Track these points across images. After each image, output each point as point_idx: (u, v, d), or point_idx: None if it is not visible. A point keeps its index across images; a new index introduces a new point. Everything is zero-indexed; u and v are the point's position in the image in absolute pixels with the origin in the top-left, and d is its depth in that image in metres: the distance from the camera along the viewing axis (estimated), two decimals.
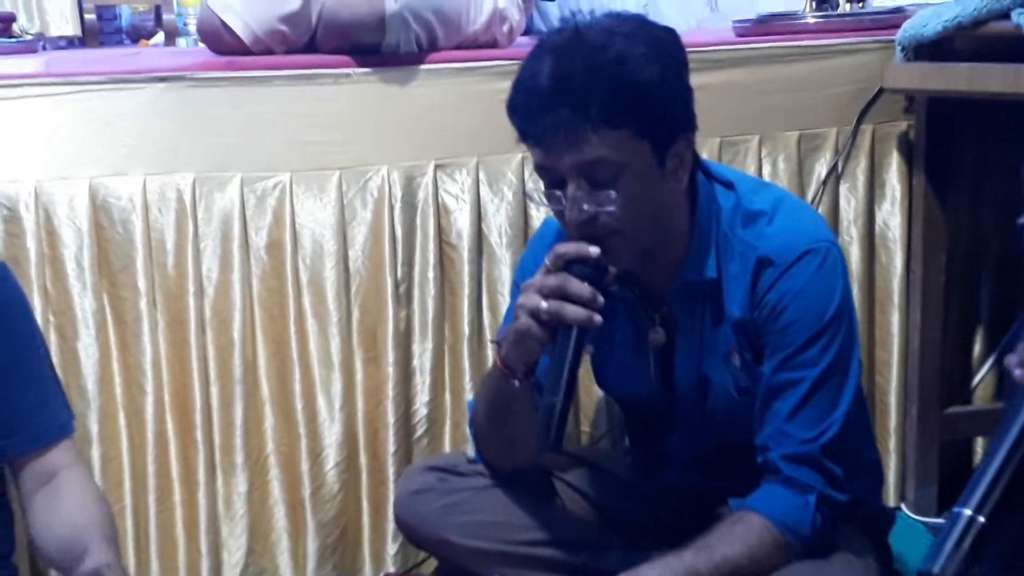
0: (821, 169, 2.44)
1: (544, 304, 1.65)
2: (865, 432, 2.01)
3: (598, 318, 1.65)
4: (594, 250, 1.65)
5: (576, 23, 1.66)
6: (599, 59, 1.61)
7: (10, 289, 1.68)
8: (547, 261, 1.69)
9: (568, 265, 1.66)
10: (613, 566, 1.76)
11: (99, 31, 5.14)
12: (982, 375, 2.56)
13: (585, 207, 1.64)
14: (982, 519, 1.12)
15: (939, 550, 1.14)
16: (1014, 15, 2.07)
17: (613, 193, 1.64)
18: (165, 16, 5.36)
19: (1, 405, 1.62)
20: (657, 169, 1.68)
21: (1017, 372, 1.15)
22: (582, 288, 1.64)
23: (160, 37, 5.39)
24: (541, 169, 1.70)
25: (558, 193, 1.66)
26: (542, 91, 1.62)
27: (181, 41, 3.65)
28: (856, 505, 1.82)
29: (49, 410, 1.68)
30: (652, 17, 1.80)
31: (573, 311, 1.64)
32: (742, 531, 1.70)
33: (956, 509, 1.15)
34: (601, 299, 1.65)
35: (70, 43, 4.79)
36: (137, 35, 5.63)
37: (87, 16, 4.99)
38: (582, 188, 1.64)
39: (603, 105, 1.60)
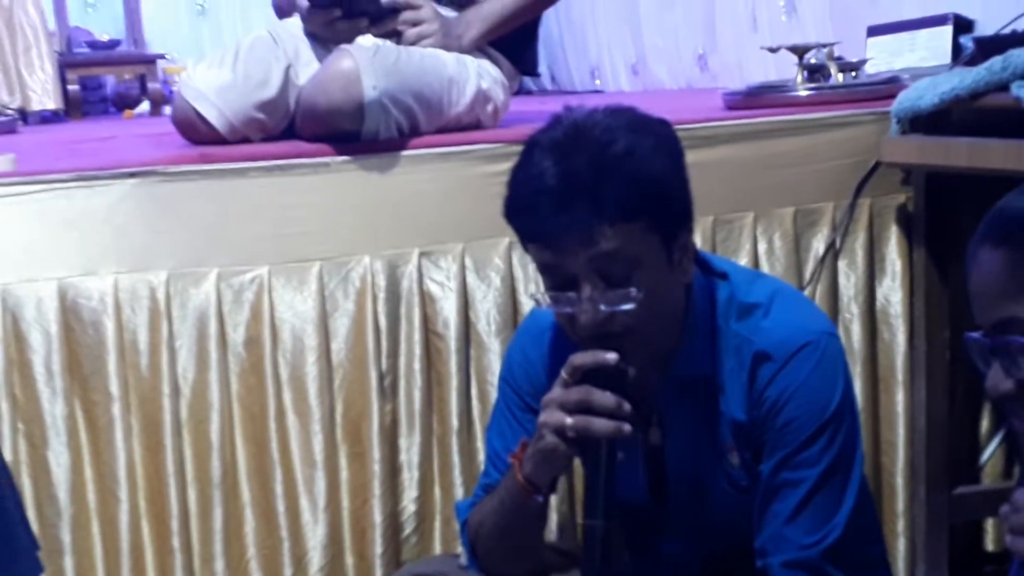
0: (819, 246, 2.38)
1: (569, 420, 1.59)
2: (872, 527, 1.92)
3: (627, 427, 1.59)
4: (613, 356, 1.59)
5: (571, 118, 1.61)
6: (607, 153, 1.56)
7: None
8: (563, 373, 1.63)
9: (586, 376, 1.60)
10: None
11: (83, 101, 5.14)
12: (990, 452, 2.49)
13: (602, 307, 1.58)
14: None
15: None
16: (1013, 87, 2.01)
17: (634, 290, 1.58)
18: (150, 85, 5.37)
19: None
20: (667, 263, 1.63)
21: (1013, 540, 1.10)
22: (607, 399, 1.58)
23: (146, 106, 5.39)
24: (547, 270, 1.63)
25: (570, 294, 1.60)
26: (551, 190, 1.56)
27: (167, 109, 3.63)
28: None
29: (13, 569, 1.60)
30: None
31: (601, 424, 1.58)
32: None
33: None
34: (628, 406, 1.59)
35: (54, 115, 4.77)
36: (123, 103, 5.63)
37: (70, 87, 4.99)
38: (597, 287, 1.58)
39: (617, 199, 1.55)
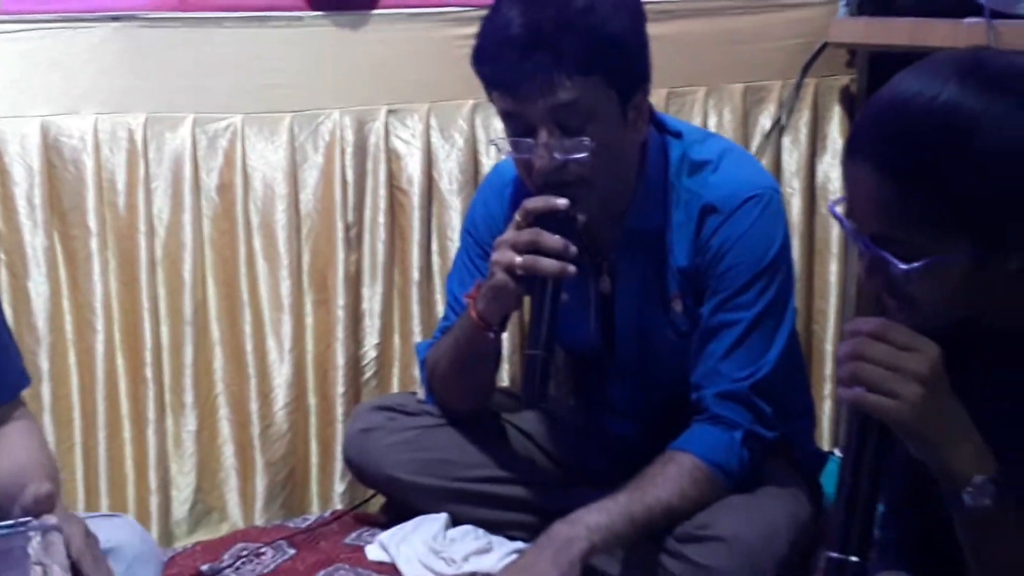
0: (765, 122, 2.50)
1: (518, 259, 1.69)
2: (799, 377, 2.07)
3: (572, 268, 1.70)
4: (563, 202, 1.69)
5: None
6: (570, 8, 1.65)
7: None
8: (517, 216, 1.73)
9: (537, 219, 1.70)
10: (556, 505, 1.82)
11: None
12: None
13: (556, 154, 1.68)
14: (857, 559, 1.12)
15: None
16: None
17: (587, 139, 1.68)
18: None
19: None
20: (621, 119, 1.73)
21: (849, 393, 1.12)
22: (554, 241, 1.69)
23: None
24: (509, 117, 1.73)
25: (528, 140, 1.70)
26: (515, 39, 1.65)
27: None
28: (785, 443, 1.89)
29: (2, 373, 1.68)
30: None
31: (547, 264, 1.68)
32: (673, 471, 1.76)
33: (829, 556, 1.14)
34: (574, 249, 1.70)
35: None
36: None
37: None
38: (553, 134, 1.68)
39: (577, 52, 1.64)
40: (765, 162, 2.47)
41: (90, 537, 1.39)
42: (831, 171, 2.54)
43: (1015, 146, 1.07)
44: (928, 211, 1.09)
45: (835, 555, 1.12)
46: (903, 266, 1.11)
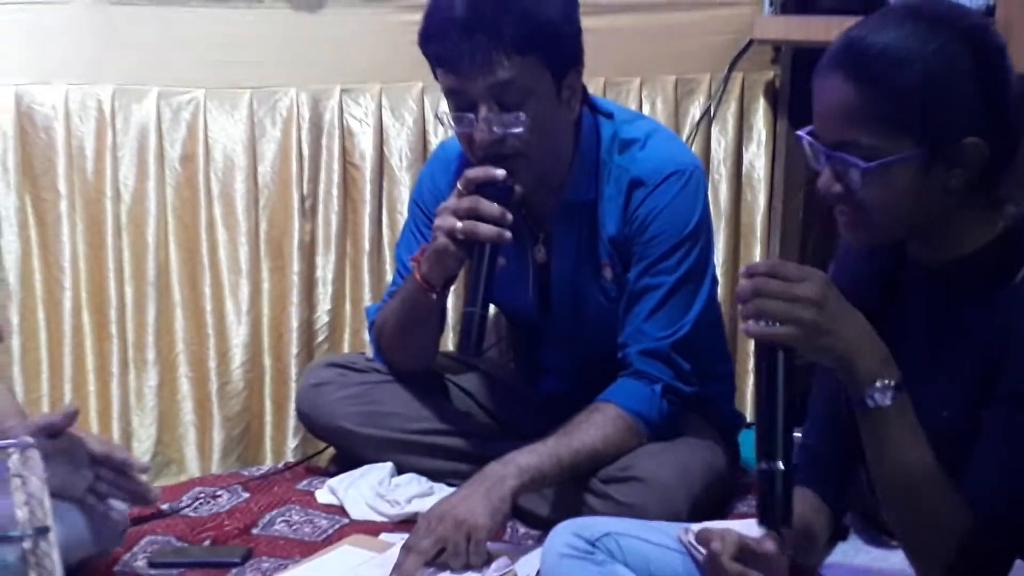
0: (695, 112, 2.67)
1: (459, 224, 1.83)
2: (719, 343, 2.24)
3: (508, 234, 1.84)
4: (500, 172, 1.84)
5: None
6: None
7: None
8: (459, 185, 1.87)
9: (478, 188, 1.85)
10: (492, 455, 1.94)
11: None
12: None
13: (495, 128, 1.84)
14: (781, 465, 1.26)
15: (764, 509, 1.28)
16: None
17: (522, 115, 1.84)
18: None
19: None
20: (556, 97, 1.89)
21: (753, 328, 1.29)
22: (492, 208, 1.83)
23: None
24: (452, 93, 1.88)
25: (469, 115, 1.85)
26: (458, 20, 1.81)
27: None
28: (705, 403, 2.06)
29: None
30: None
31: (486, 229, 1.83)
32: (599, 419, 1.92)
33: (760, 468, 1.28)
34: (510, 216, 1.84)
35: None
36: None
37: None
38: (492, 110, 1.84)
39: (515, 34, 1.80)
40: (695, 149, 2.62)
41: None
42: (756, 160, 2.71)
43: (949, 71, 1.27)
44: (885, 112, 1.26)
45: (764, 466, 1.28)
46: (863, 164, 1.27)
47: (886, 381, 1.26)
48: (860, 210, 1.31)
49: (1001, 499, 1.25)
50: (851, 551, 1.54)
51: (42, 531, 1.33)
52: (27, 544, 1.32)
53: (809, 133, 1.35)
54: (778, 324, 1.27)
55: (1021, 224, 1.34)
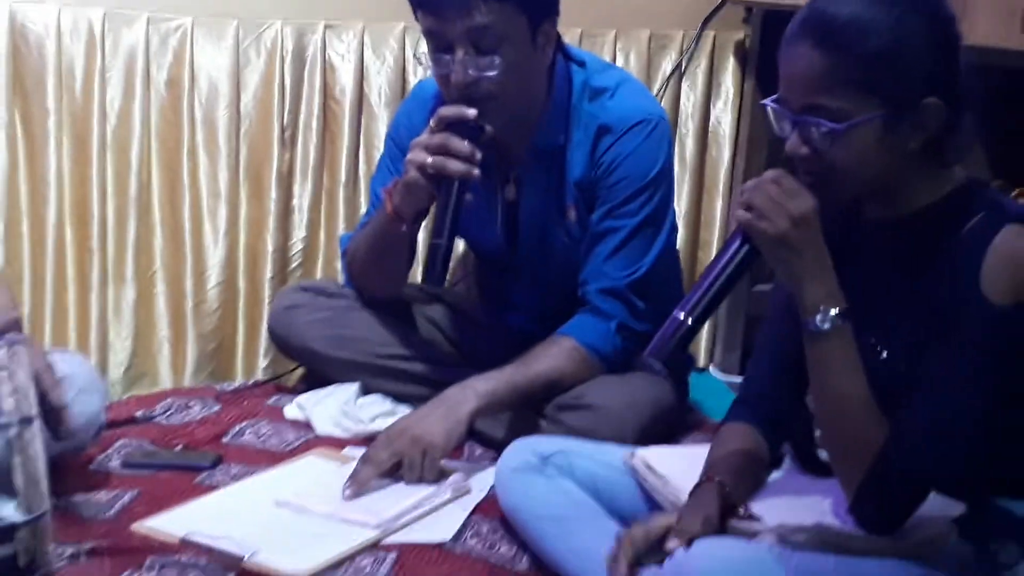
0: (667, 67, 2.76)
1: (429, 159, 1.91)
2: (676, 289, 2.33)
3: (476, 171, 1.92)
4: (472, 112, 1.92)
5: None
6: None
7: None
8: (432, 122, 1.95)
9: (449, 126, 1.92)
10: (454, 380, 2.03)
11: None
12: None
13: (470, 71, 1.92)
14: (689, 320, 1.40)
15: (656, 342, 1.42)
16: None
17: (497, 59, 1.92)
18: None
19: None
20: (531, 44, 1.98)
21: (739, 213, 1.39)
22: (462, 145, 1.91)
23: None
24: (430, 35, 1.96)
25: (446, 57, 1.93)
26: None
27: None
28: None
29: None
30: None
31: (455, 165, 1.91)
32: (555, 351, 2.04)
33: (674, 312, 1.41)
34: (479, 154, 1.92)
35: None
36: None
37: None
38: (469, 53, 1.92)
39: None
40: (664, 103, 2.70)
41: (47, 362, 1.59)
42: (723, 116, 2.80)
43: (910, 38, 1.36)
44: (852, 76, 1.34)
45: (679, 313, 1.41)
46: (831, 125, 1.35)
47: (830, 310, 1.37)
48: (826, 171, 1.39)
49: (921, 434, 1.35)
50: (784, 477, 1.65)
51: (27, 420, 1.42)
52: (13, 432, 1.41)
53: (774, 100, 1.43)
54: (759, 222, 1.37)
55: (967, 185, 1.45)
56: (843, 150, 1.37)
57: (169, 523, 1.70)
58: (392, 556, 1.65)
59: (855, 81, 1.35)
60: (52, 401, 1.54)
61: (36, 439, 1.43)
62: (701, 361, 2.86)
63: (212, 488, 1.86)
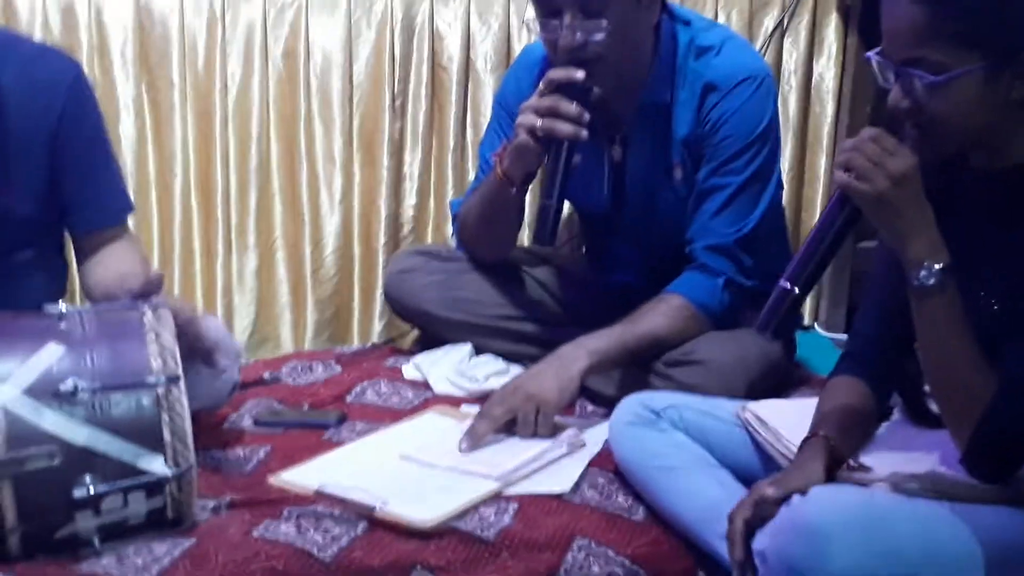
0: (769, 23, 2.76)
1: (539, 122, 1.95)
2: (783, 246, 2.34)
3: (585, 132, 1.95)
4: (580, 73, 1.95)
5: None
6: None
7: (87, 89, 1.85)
8: (541, 85, 1.98)
9: (558, 88, 1.96)
10: (564, 339, 2.07)
11: None
12: None
13: (578, 34, 1.95)
14: (796, 290, 1.43)
15: (766, 314, 1.46)
16: None
17: (604, 21, 1.95)
18: None
19: (74, 188, 1.84)
20: (636, 4, 2.00)
21: (839, 174, 1.41)
22: (570, 107, 1.94)
23: None
24: (538, 0, 1.99)
25: (554, 22, 1.97)
26: None
27: None
28: (764, 296, 2.16)
29: (110, 197, 1.89)
30: None
31: (564, 127, 1.94)
32: (663, 308, 2.07)
33: (779, 283, 1.44)
34: (587, 116, 1.95)
35: None
36: None
37: None
38: (576, 17, 1.95)
39: None
40: (767, 59, 2.70)
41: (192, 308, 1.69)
42: (826, 72, 2.80)
43: None
44: (952, 29, 1.35)
45: (785, 284, 1.44)
46: (932, 77, 1.36)
47: (934, 265, 1.39)
48: (929, 123, 1.40)
49: None
50: (893, 428, 1.68)
51: (174, 379, 1.50)
52: (160, 390, 1.49)
53: (878, 53, 1.44)
54: (859, 182, 1.39)
55: None
56: (944, 102, 1.38)
57: (303, 476, 1.78)
58: (514, 506, 1.70)
59: (955, 33, 1.35)
60: (204, 340, 1.64)
61: (183, 396, 1.51)
62: (807, 319, 2.88)
63: (339, 444, 1.93)
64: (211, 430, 1.96)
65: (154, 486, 1.48)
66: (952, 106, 1.39)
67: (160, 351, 1.52)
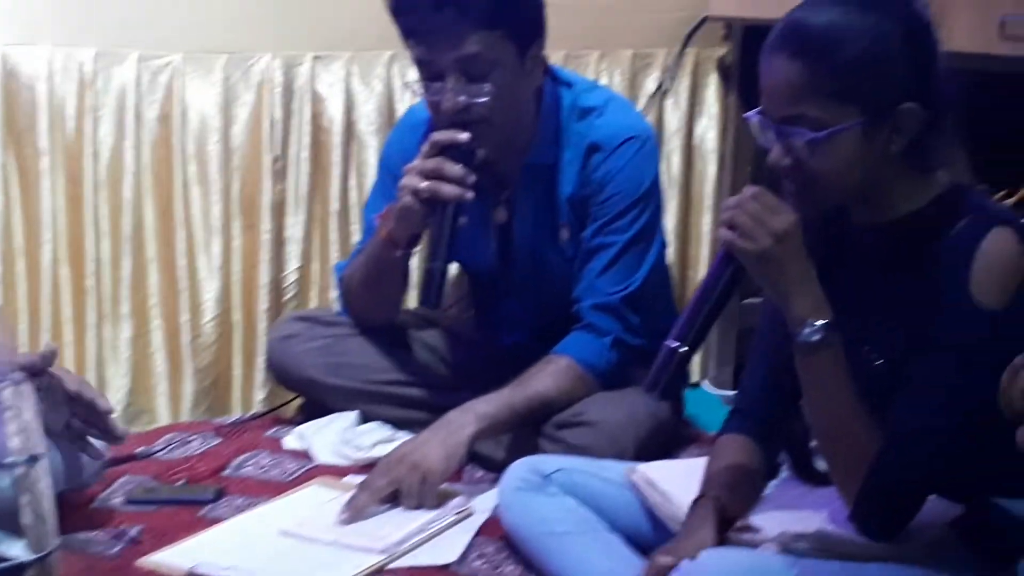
0: (650, 85, 2.79)
1: (423, 184, 1.94)
2: (669, 304, 2.35)
3: (470, 194, 1.95)
4: (464, 136, 1.95)
5: None
6: None
7: None
8: (425, 147, 1.98)
9: (443, 150, 1.95)
10: (453, 403, 2.04)
11: None
12: None
13: (461, 98, 1.95)
14: (684, 348, 1.43)
15: (653, 374, 1.45)
16: None
17: (487, 85, 1.95)
18: None
19: None
20: (520, 68, 2.01)
21: (722, 232, 1.42)
22: (455, 169, 1.94)
23: None
24: (422, 64, 1.99)
25: (437, 85, 1.97)
26: None
27: None
28: (651, 355, 2.15)
29: None
30: None
31: (448, 189, 1.94)
32: (551, 369, 2.06)
33: (666, 342, 1.44)
34: (472, 177, 1.95)
35: None
36: None
37: None
38: (459, 80, 1.95)
39: (482, 8, 1.92)
40: (649, 121, 2.71)
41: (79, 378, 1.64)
42: (707, 132, 2.82)
43: (885, 44, 1.38)
44: (830, 85, 1.37)
45: (673, 343, 1.43)
46: (812, 134, 1.37)
47: (817, 322, 1.39)
48: (809, 180, 1.41)
49: (915, 439, 1.37)
50: (782, 486, 1.67)
51: (34, 459, 1.41)
52: (20, 471, 1.40)
53: (757, 112, 1.46)
54: (742, 240, 1.39)
55: (952, 189, 1.47)
56: (824, 158, 1.39)
57: (175, 557, 1.71)
58: None
59: (833, 90, 1.37)
60: (101, 407, 1.62)
61: (44, 476, 1.43)
62: (695, 376, 2.88)
63: (216, 521, 1.87)
64: (78, 510, 1.87)
65: (13, 572, 1.38)
66: (833, 162, 1.40)
67: (19, 429, 1.43)
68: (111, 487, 1.97)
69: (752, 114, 1.46)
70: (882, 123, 1.39)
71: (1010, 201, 2.12)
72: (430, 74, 1.98)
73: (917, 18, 1.43)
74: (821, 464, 1.54)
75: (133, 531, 1.81)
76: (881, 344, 1.44)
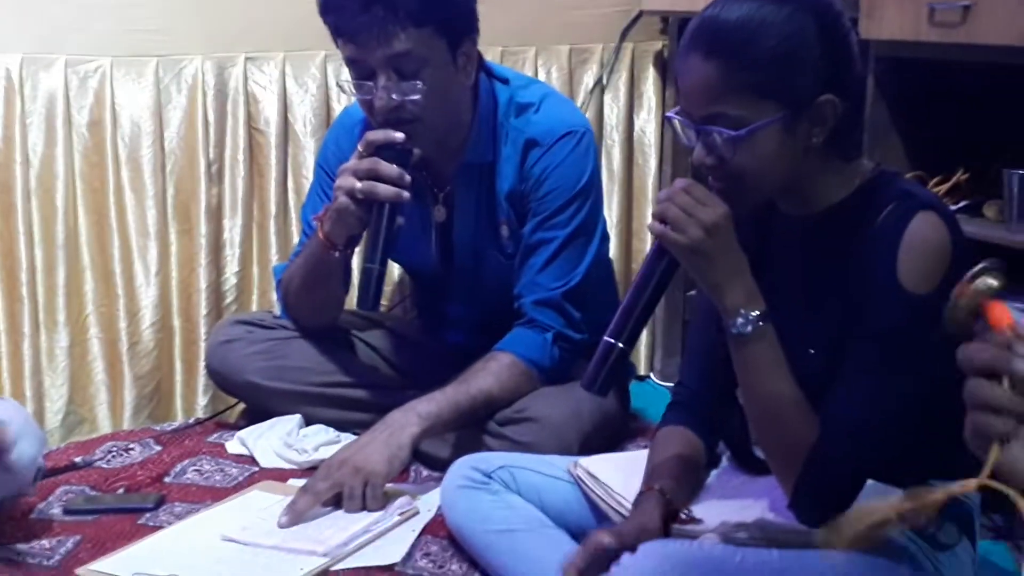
0: (589, 80, 2.79)
1: (359, 184, 1.92)
2: (611, 297, 2.35)
3: (406, 194, 1.93)
4: (399, 135, 1.94)
5: None
6: None
7: None
8: (360, 147, 1.96)
9: (377, 150, 1.94)
10: (397, 403, 2.02)
11: None
12: None
13: (393, 96, 1.94)
14: (620, 344, 1.43)
15: (591, 371, 1.45)
16: None
17: (419, 83, 1.94)
18: None
19: None
20: (452, 65, 2.00)
21: (653, 225, 1.42)
22: (391, 169, 1.92)
23: None
24: (352, 63, 1.97)
25: (368, 83, 1.95)
26: None
27: None
28: (595, 349, 2.18)
29: None
30: None
31: (384, 189, 1.92)
32: (494, 366, 2.04)
33: (603, 339, 1.44)
34: (408, 178, 1.94)
35: None
36: None
37: None
38: (391, 79, 1.93)
39: (410, 6, 1.90)
40: (589, 116, 2.73)
41: None
42: (646, 126, 2.84)
43: (799, 37, 1.37)
44: (746, 81, 1.36)
45: (609, 339, 1.43)
46: (732, 132, 1.36)
47: (751, 312, 1.40)
48: (734, 177, 1.41)
49: (851, 425, 1.37)
50: (722, 476, 1.67)
51: None
52: None
53: (678, 112, 1.45)
54: (673, 233, 1.39)
55: (876, 177, 1.47)
56: (746, 155, 1.38)
57: (114, 566, 1.68)
58: None
59: (749, 87, 1.36)
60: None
61: None
62: (641, 369, 2.89)
63: (156, 529, 1.84)
64: (17, 521, 1.84)
65: None
66: (755, 158, 1.39)
67: None
68: (49, 498, 1.94)
69: (672, 113, 1.46)
70: (801, 116, 1.39)
71: (945, 187, 2.14)
72: (361, 73, 1.96)
73: (828, 8, 1.42)
74: (760, 453, 1.54)
75: (71, 541, 1.78)
76: (815, 334, 1.44)
